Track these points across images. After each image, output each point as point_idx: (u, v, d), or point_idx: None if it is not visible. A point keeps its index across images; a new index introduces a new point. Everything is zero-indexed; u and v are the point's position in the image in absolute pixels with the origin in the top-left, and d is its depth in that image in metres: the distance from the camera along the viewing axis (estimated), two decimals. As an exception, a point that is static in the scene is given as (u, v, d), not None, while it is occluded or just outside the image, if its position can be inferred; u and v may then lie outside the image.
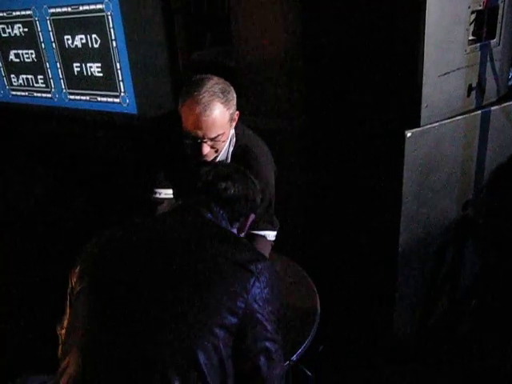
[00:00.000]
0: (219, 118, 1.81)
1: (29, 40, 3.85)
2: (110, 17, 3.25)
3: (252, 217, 1.65)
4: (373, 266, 2.44)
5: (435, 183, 2.35)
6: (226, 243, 1.37)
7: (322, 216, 2.63)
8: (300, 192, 2.68)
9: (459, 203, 2.49)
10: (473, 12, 2.20)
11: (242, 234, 1.68)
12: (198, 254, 1.30)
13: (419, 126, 2.20)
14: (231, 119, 1.89)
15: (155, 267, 1.30)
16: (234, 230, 1.59)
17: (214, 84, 1.82)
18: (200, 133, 1.81)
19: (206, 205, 1.49)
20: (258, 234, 2.08)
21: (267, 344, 1.27)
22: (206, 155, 1.87)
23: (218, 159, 1.98)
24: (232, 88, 1.89)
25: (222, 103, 1.81)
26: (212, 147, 1.87)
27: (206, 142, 1.84)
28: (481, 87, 2.35)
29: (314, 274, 2.14)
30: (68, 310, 1.44)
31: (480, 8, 2.21)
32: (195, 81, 1.84)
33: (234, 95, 1.89)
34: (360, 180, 2.41)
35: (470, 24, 2.22)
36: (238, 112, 1.92)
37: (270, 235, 2.12)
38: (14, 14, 3.88)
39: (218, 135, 1.84)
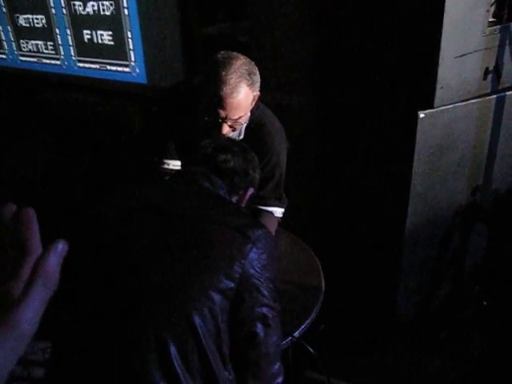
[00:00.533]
0: (244, 100, 1.79)
1: (39, 5, 3.80)
2: (122, -16, 3.20)
3: (251, 191, 1.62)
4: (378, 247, 2.44)
5: (445, 166, 2.33)
6: (223, 210, 1.37)
7: (330, 195, 2.62)
8: (310, 170, 2.66)
9: (469, 188, 2.47)
10: (494, -7, 2.15)
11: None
12: (195, 221, 1.30)
13: (433, 108, 2.17)
14: (253, 100, 1.87)
15: (154, 235, 1.29)
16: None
17: (242, 64, 1.79)
18: (223, 113, 1.79)
19: (205, 175, 1.47)
20: (265, 210, 2.07)
21: (264, 310, 1.27)
22: (224, 134, 1.86)
23: (231, 134, 1.96)
24: (257, 69, 1.86)
25: (248, 85, 1.78)
26: (231, 126, 1.86)
27: (226, 122, 1.82)
28: (497, 71, 2.31)
29: (319, 253, 2.13)
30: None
31: (502, -12, 2.16)
32: (222, 59, 1.80)
33: (259, 77, 1.86)
34: (371, 159, 2.39)
35: (491, 5, 2.17)
36: (259, 93, 1.90)
37: (278, 212, 2.10)
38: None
39: (240, 117, 1.83)
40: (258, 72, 1.86)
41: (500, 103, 2.36)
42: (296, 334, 1.72)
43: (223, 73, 1.75)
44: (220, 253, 1.23)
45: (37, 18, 3.90)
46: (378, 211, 2.40)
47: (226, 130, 1.84)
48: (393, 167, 2.29)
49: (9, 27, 4.16)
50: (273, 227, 2.05)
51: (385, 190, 2.35)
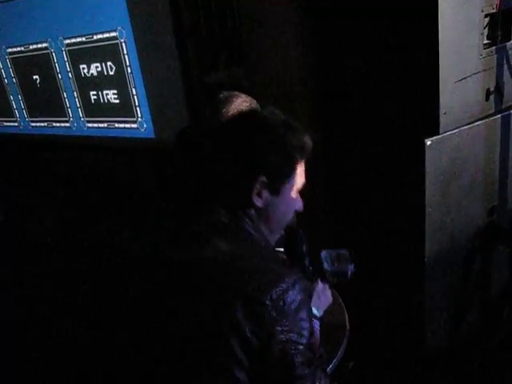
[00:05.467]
0: None
1: (45, 71, 3.92)
2: (123, 44, 3.30)
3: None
4: (400, 278, 2.40)
5: (458, 190, 2.31)
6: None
7: (344, 230, 2.60)
8: (320, 206, 2.66)
9: (485, 209, 2.44)
10: (486, 15, 2.17)
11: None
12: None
13: (438, 134, 2.17)
14: None
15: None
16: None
17: (242, 102, 1.82)
18: None
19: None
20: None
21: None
22: None
23: None
24: (259, 106, 1.88)
25: None
26: None
27: None
28: (499, 91, 2.31)
29: (340, 289, 2.11)
30: None
31: (493, 11, 2.18)
32: (223, 98, 1.83)
33: None
34: (381, 191, 2.38)
35: (484, 28, 2.19)
36: None
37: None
38: (30, 47, 3.96)
39: None
40: (259, 109, 1.87)
41: (505, 122, 2.36)
42: (324, 375, 1.69)
43: (223, 110, 1.78)
44: None
45: (45, 84, 4.02)
46: (396, 242, 2.37)
47: None
48: (405, 197, 2.28)
49: (19, 96, 4.29)
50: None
51: (400, 220, 2.33)
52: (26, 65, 4.08)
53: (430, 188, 2.21)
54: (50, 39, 3.76)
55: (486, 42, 2.22)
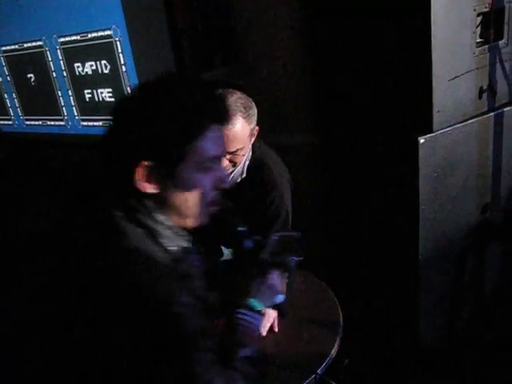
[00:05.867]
0: (240, 132, 1.81)
1: (40, 69, 3.91)
2: (118, 42, 3.30)
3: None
4: (394, 275, 2.42)
5: (452, 188, 2.33)
6: None
7: (339, 228, 2.62)
8: (316, 204, 2.67)
9: (478, 207, 2.46)
10: (479, 14, 2.18)
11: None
12: None
13: (432, 132, 2.18)
14: (251, 134, 1.89)
15: None
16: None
17: (237, 98, 1.83)
18: None
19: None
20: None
21: None
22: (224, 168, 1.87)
23: (233, 173, 1.98)
24: (254, 104, 1.89)
25: (243, 118, 1.81)
26: (230, 161, 1.87)
27: (224, 156, 1.84)
28: (492, 89, 2.33)
29: (334, 287, 2.12)
30: None
31: (486, 10, 2.19)
32: (218, 94, 1.85)
33: (256, 111, 1.89)
34: (375, 189, 2.40)
35: (477, 26, 2.20)
36: (257, 127, 1.93)
37: (288, 249, 2.09)
38: (25, 45, 3.95)
39: (238, 149, 1.84)
40: (254, 106, 1.88)
41: (498, 120, 2.37)
42: (319, 371, 1.70)
43: None
44: None
45: (39, 82, 4.01)
46: (390, 239, 2.39)
47: (224, 163, 1.85)
48: (399, 194, 2.29)
49: (14, 94, 4.28)
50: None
51: (394, 218, 2.35)
52: (20, 63, 4.08)
53: (424, 186, 2.22)
54: (44, 37, 3.75)
55: (478, 40, 2.24)
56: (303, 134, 2.61)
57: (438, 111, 2.16)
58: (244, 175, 2.01)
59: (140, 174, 1.08)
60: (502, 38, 2.28)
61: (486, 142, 2.37)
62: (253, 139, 1.94)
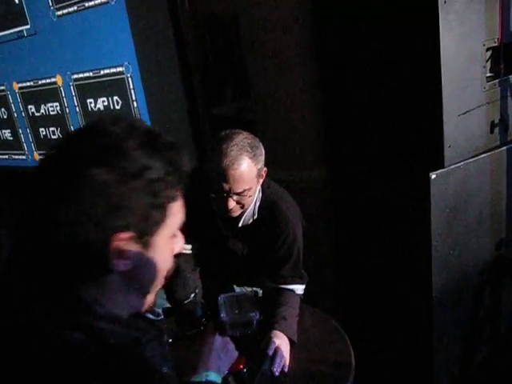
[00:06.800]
0: (246, 172, 1.80)
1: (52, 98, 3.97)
2: (129, 79, 3.34)
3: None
4: (407, 314, 2.36)
5: (465, 224, 2.29)
6: None
7: (351, 266, 2.58)
8: (328, 243, 2.64)
9: (492, 242, 2.41)
10: (488, 49, 2.18)
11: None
12: None
13: (443, 167, 2.16)
14: (259, 175, 1.88)
15: None
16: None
17: (244, 138, 1.82)
18: (226, 186, 1.80)
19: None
20: (286, 289, 2.04)
21: None
22: (231, 210, 1.86)
23: (244, 215, 1.97)
24: (261, 144, 1.88)
25: (249, 158, 1.80)
26: (238, 202, 1.86)
27: (231, 197, 1.83)
28: (504, 123, 2.31)
29: (346, 326, 2.07)
30: None
31: (495, 44, 2.19)
32: (224, 135, 1.84)
33: (263, 151, 1.88)
34: (387, 226, 2.36)
35: (487, 61, 2.20)
36: (265, 169, 1.91)
37: (299, 289, 2.07)
38: (40, 82, 4.02)
39: (245, 190, 1.83)
40: (261, 146, 1.88)
41: (511, 154, 2.34)
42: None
43: (224, 146, 1.78)
44: None
45: (53, 116, 4.06)
46: (402, 277, 2.35)
47: (231, 204, 1.83)
48: (411, 231, 2.26)
49: (28, 129, 4.34)
50: (296, 305, 2.01)
51: (406, 255, 2.31)
52: (34, 100, 4.14)
53: (436, 222, 2.19)
54: (58, 74, 3.81)
55: (488, 74, 2.22)
56: (314, 170, 2.60)
57: (450, 146, 2.14)
58: (256, 216, 2.00)
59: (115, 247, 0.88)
60: (513, 72, 2.27)
61: (499, 176, 2.34)
62: (261, 180, 1.92)
